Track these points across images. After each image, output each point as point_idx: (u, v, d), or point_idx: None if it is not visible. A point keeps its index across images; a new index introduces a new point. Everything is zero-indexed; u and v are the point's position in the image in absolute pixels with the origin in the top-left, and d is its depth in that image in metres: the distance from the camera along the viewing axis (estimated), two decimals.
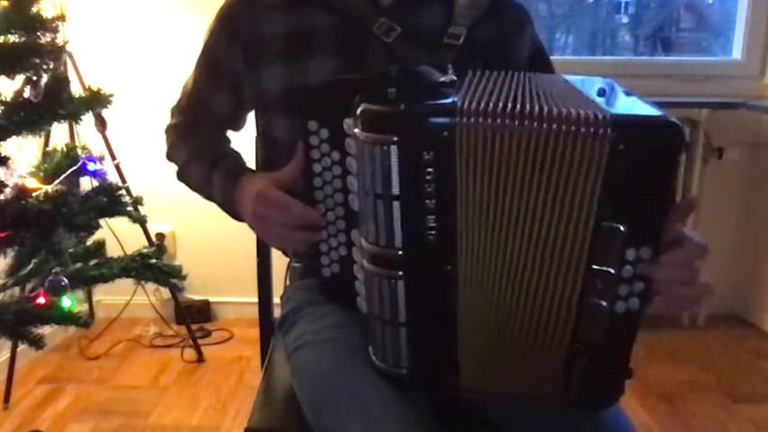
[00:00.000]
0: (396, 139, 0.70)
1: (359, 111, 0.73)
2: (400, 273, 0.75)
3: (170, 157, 1.12)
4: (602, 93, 0.75)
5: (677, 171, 0.68)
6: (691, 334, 2.49)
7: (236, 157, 1.07)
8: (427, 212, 0.72)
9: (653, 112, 0.70)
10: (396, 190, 0.72)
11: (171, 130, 1.13)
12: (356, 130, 0.74)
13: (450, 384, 0.80)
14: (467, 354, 0.78)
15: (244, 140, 1.15)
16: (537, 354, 0.76)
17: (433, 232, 0.73)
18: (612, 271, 0.70)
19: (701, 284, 0.72)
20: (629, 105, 0.74)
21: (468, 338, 0.77)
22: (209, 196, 1.05)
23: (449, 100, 0.71)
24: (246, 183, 0.95)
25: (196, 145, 1.09)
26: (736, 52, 2.59)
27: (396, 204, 0.73)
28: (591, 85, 0.79)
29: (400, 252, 0.75)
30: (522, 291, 0.73)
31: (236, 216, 0.99)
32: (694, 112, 2.38)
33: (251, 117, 1.11)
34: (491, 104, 0.69)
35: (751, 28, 2.54)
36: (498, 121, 0.68)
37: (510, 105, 0.69)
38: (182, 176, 1.10)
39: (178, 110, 1.13)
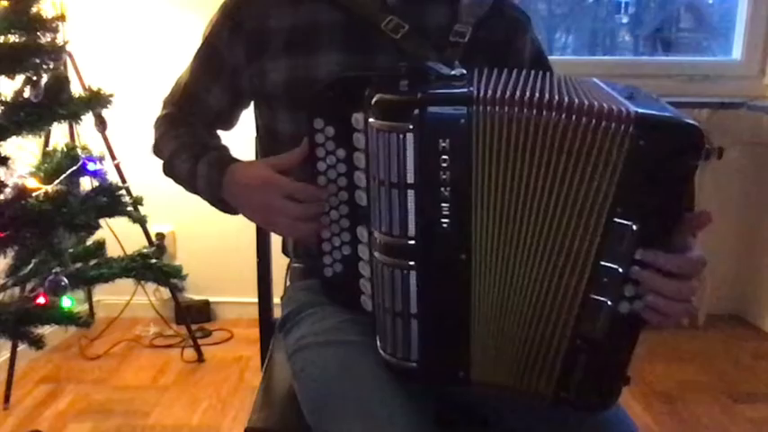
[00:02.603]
0: (412, 126, 0.70)
1: (374, 100, 0.73)
2: (412, 263, 0.75)
3: (156, 150, 1.09)
4: (629, 95, 0.74)
5: (694, 175, 0.68)
6: (691, 334, 2.48)
7: (224, 148, 1.04)
8: (442, 200, 0.72)
9: (678, 115, 0.69)
10: (411, 178, 0.72)
11: (160, 122, 1.10)
12: (371, 120, 0.74)
13: (459, 377, 0.79)
14: (478, 345, 0.78)
15: (242, 139, 1.14)
16: (541, 345, 0.76)
17: (447, 221, 0.73)
18: (620, 269, 0.70)
19: (687, 304, 0.72)
20: (656, 107, 0.73)
21: (480, 329, 0.77)
22: (193, 189, 1.01)
23: (464, 89, 0.72)
24: (238, 171, 0.93)
25: (183, 136, 1.05)
26: (736, 52, 2.59)
27: (410, 193, 0.73)
28: (619, 88, 0.79)
29: (413, 242, 0.74)
30: (532, 280, 0.73)
31: (222, 206, 0.97)
32: (694, 112, 2.38)
33: (245, 116, 1.10)
34: (508, 93, 0.69)
35: (751, 28, 2.54)
36: (516, 109, 0.68)
37: (528, 95, 0.69)
38: (167, 170, 1.06)
39: (171, 101, 1.11)
